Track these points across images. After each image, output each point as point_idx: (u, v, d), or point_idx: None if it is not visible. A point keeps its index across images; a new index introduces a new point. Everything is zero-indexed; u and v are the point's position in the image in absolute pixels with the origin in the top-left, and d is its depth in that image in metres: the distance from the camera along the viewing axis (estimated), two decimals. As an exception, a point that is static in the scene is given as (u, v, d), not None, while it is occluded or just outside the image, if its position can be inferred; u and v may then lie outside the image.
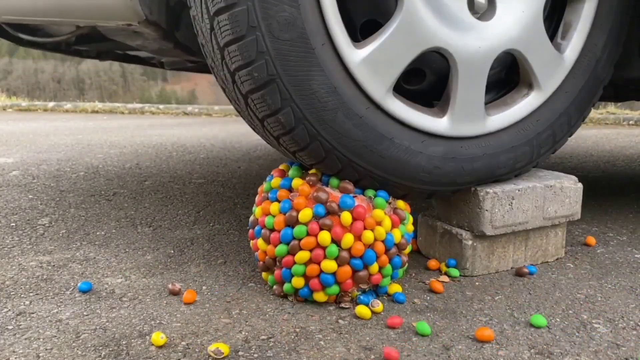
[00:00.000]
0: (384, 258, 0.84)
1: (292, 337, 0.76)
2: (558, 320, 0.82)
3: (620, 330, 0.79)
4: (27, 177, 1.86)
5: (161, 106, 5.34)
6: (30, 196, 1.58)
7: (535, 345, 0.74)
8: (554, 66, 0.97)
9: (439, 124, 0.90)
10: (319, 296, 0.84)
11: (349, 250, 0.82)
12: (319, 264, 0.82)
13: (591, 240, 1.14)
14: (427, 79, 0.94)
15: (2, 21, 1.15)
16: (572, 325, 0.80)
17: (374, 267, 0.84)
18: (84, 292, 0.90)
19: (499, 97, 1.00)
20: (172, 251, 1.11)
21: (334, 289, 0.84)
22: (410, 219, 0.92)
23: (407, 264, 0.92)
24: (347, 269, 0.82)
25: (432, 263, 1.01)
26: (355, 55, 0.82)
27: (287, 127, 0.81)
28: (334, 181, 0.87)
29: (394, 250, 0.86)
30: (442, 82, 0.93)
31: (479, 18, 0.91)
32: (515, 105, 0.97)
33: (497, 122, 0.95)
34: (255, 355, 0.71)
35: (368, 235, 0.82)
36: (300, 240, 0.82)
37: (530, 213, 0.98)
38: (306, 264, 0.83)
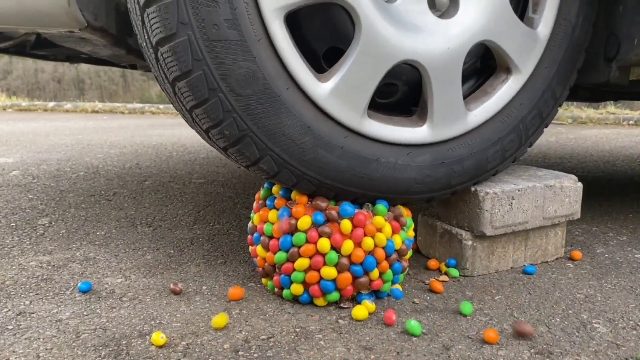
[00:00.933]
0: (385, 264, 0.84)
1: (292, 337, 0.76)
2: (558, 320, 0.82)
3: (620, 330, 0.79)
4: (27, 177, 1.86)
5: (161, 106, 5.34)
6: (30, 196, 1.58)
7: (535, 345, 0.74)
8: (529, 45, 0.93)
9: (420, 133, 0.88)
10: (319, 302, 0.84)
11: (348, 257, 0.82)
12: (318, 270, 0.82)
13: (576, 254, 1.07)
14: (400, 89, 0.92)
15: None
16: (572, 325, 0.80)
17: (375, 273, 0.84)
18: (84, 292, 0.90)
19: (477, 87, 0.97)
20: (172, 251, 1.11)
21: (334, 295, 0.83)
22: (412, 224, 0.92)
23: (407, 269, 0.92)
24: (347, 276, 0.82)
25: (432, 263, 1.01)
26: (322, 89, 0.80)
27: (271, 173, 0.81)
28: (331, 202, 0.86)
29: (394, 256, 0.85)
30: (417, 89, 0.90)
31: (442, 16, 0.88)
32: (496, 93, 0.94)
33: (479, 116, 0.92)
34: (255, 355, 0.71)
35: (368, 242, 0.82)
36: (299, 247, 0.82)
37: (530, 213, 0.98)
38: (306, 270, 0.83)
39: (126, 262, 1.04)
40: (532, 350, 0.73)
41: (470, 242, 0.96)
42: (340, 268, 0.82)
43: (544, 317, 0.83)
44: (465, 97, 0.93)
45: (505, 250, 1.00)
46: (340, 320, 0.81)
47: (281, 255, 0.83)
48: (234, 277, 0.97)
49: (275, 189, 0.89)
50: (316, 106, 0.80)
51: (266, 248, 0.86)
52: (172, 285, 0.89)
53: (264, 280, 0.91)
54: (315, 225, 0.82)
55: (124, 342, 0.74)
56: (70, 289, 0.92)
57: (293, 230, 0.83)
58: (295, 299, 0.87)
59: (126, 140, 2.95)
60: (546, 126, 1.02)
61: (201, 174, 1.94)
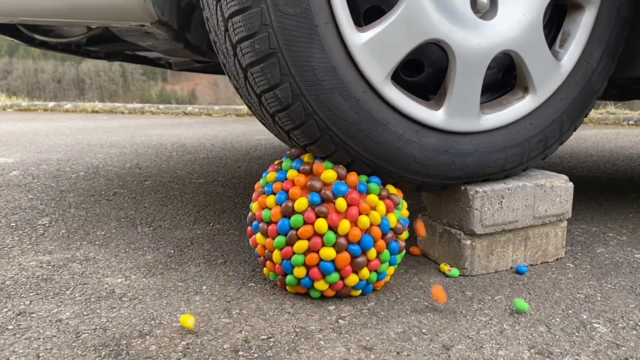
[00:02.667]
0: (381, 243, 0.85)
1: (292, 337, 0.76)
2: (558, 320, 0.82)
3: (620, 330, 0.79)
4: (27, 177, 1.86)
5: (161, 106, 5.34)
6: (30, 196, 1.58)
7: (535, 345, 0.74)
8: (550, 72, 0.98)
9: (434, 116, 0.91)
10: (320, 285, 0.85)
11: (346, 236, 0.83)
12: (317, 252, 0.83)
13: (415, 249, 1.10)
14: (426, 71, 0.95)
15: (18, 22, 1.15)
16: (572, 325, 0.80)
17: (372, 253, 0.85)
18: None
19: (494, 99, 1.01)
20: (172, 251, 1.11)
21: (334, 276, 0.84)
22: (405, 204, 0.92)
23: (404, 250, 0.92)
24: (345, 256, 0.83)
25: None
26: (357, 37, 0.83)
27: (284, 103, 0.82)
28: (327, 164, 0.87)
29: (390, 235, 0.86)
30: (440, 76, 0.94)
31: (481, 17, 0.92)
32: (510, 107, 0.98)
33: (491, 121, 0.96)
34: (255, 355, 0.71)
35: (364, 220, 0.83)
36: (297, 229, 0.83)
37: (521, 212, 0.98)
38: (305, 253, 0.83)
39: (126, 262, 1.04)
40: (532, 350, 0.73)
41: (469, 242, 0.97)
42: (338, 248, 0.83)
43: (544, 317, 0.83)
44: (481, 104, 0.96)
45: (505, 250, 1.00)
46: (340, 320, 0.81)
47: (280, 240, 0.84)
48: (234, 277, 0.97)
49: (270, 176, 0.90)
50: (347, 51, 0.83)
51: (265, 234, 0.87)
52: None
53: (265, 270, 0.92)
54: (312, 206, 0.83)
55: (124, 342, 0.74)
56: (70, 289, 0.92)
57: (290, 213, 0.83)
58: (295, 297, 0.87)
59: (126, 140, 2.95)
60: (544, 158, 1.05)
61: (201, 174, 1.94)
